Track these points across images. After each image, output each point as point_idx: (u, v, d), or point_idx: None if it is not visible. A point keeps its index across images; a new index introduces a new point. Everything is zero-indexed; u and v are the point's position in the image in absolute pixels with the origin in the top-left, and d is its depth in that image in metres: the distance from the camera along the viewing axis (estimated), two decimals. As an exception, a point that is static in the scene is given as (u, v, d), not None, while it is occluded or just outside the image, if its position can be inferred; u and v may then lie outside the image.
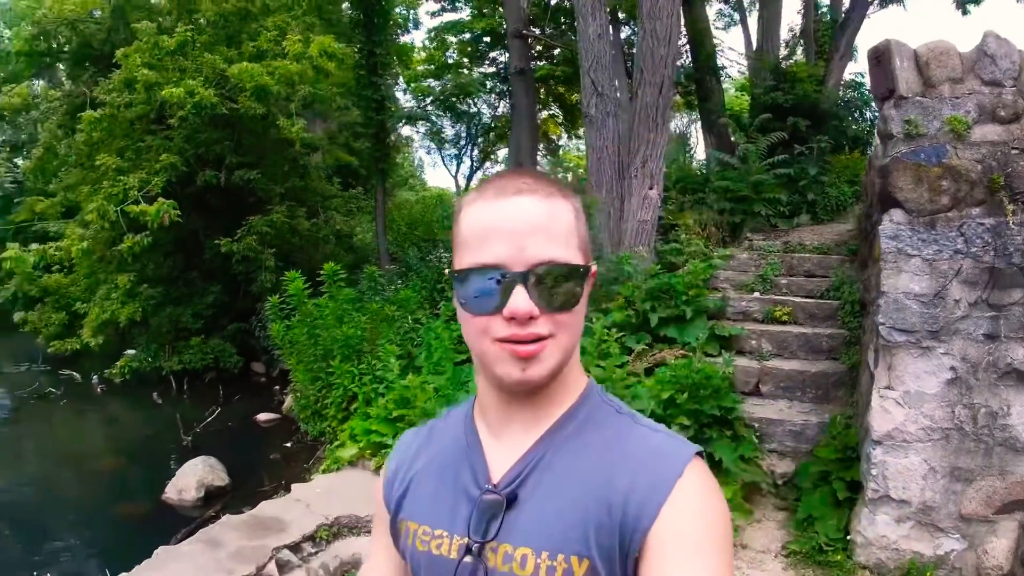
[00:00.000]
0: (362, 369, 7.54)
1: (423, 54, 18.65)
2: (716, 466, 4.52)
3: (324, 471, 6.09)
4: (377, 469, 5.43)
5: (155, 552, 4.09)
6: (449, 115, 21.53)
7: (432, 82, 18.83)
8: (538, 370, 0.86)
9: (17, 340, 14.72)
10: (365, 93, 11.55)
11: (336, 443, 6.66)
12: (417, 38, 19.29)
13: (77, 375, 12.74)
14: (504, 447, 0.95)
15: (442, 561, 0.93)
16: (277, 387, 11.30)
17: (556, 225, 0.87)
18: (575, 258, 0.88)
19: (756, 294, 7.03)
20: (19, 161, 17.91)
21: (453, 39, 16.85)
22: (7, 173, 19.19)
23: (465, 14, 17.27)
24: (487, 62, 16.57)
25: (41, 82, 15.51)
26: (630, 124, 7.86)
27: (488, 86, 18.21)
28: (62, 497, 7.82)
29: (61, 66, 14.24)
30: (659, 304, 6.34)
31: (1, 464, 9.30)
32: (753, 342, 6.29)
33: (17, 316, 13.50)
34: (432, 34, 16.95)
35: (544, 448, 0.92)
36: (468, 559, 0.90)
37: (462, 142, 25.55)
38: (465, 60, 17.36)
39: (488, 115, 22.33)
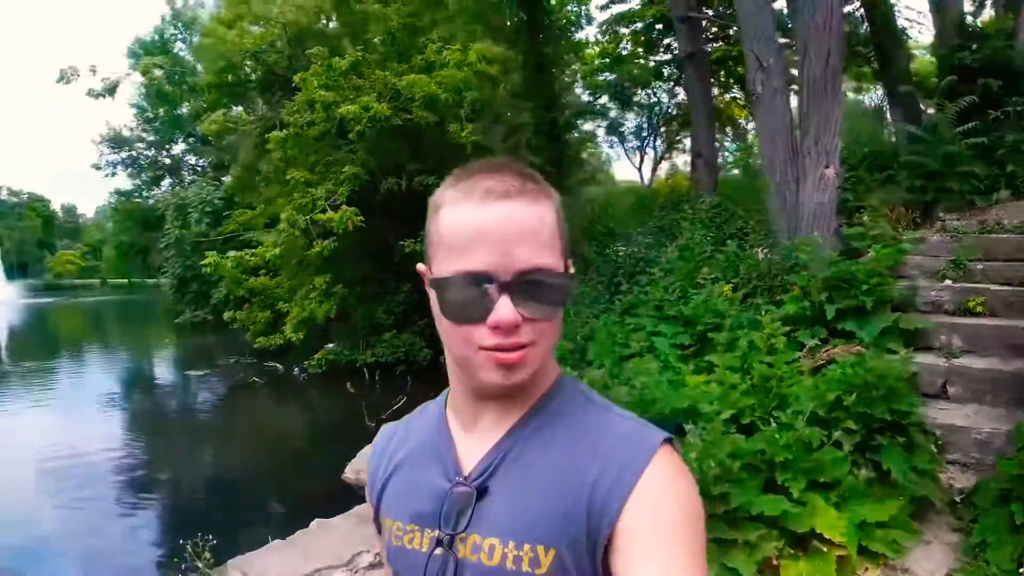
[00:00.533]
0: (531, 363, 7.68)
1: (596, 48, 18.67)
2: (884, 477, 4.12)
3: None
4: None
5: (312, 523, 4.52)
6: (625, 107, 21.40)
7: (608, 75, 18.80)
8: (519, 376, 0.88)
9: (228, 336, 16.75)
10: (534, 93, 11.90)
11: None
12: (591, 33, 19.19)
13: (280, 367, 14.42)
14: (475, 441, 0.96)
15: (415, 555, 0.95)
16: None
17: (543, 231, 0.86)
18: (559, 263, 0.88)
19: (947, 282, 6.34)
20: (225, 179, 20.25)
21: (625, 30, 16.72)
22: (215, 190, 21.85)
23: (635, 3, 17.05)
24: (661, 49, 16.27)
25: (240, 108, 17.50)
26: (800, 99, 7.42)
27: (665, 74, 17.87)
28: (256, 471, 9.14)
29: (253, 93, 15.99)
30: (837, 295, 5.90)
31: (210, 442, 11.28)
32: (943, 337, 5.63)
33: (227, 315, 15.29)
34: (603, 27, 16.99)
35: (513, 440, 0.93)
36: (439, 551, 0.92)
37: (644, 133, 25.24)
38: (640, 50, 17.16)
39: (668, 103, 21.95)
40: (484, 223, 0.84)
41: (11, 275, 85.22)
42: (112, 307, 58.13)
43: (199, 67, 17.32)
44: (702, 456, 3.52)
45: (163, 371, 21.94)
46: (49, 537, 7.31)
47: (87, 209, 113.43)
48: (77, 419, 12.93)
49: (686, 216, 9.96)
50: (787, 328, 5.58)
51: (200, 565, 4.51)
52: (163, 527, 7.53)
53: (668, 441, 0.88)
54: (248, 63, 13.73)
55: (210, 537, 4.61)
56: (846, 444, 4.04)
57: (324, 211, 11.38)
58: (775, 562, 3.51)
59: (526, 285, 0.83)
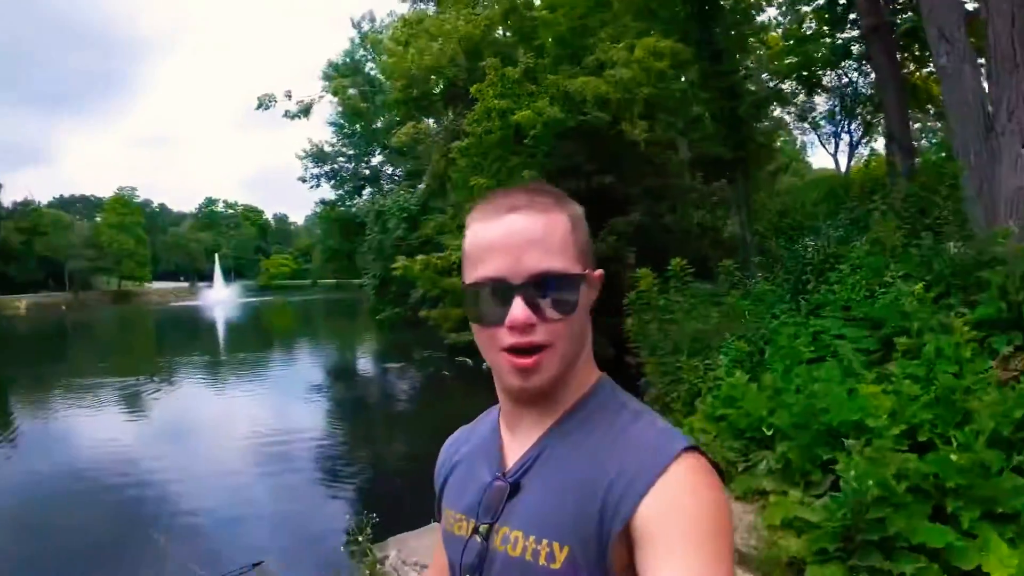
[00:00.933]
0: (708, 365, 7.64)
1: (779, 31, 17.70)
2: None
3: None
4: (695, 465, 5.55)
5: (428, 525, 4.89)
6: (812, 91, 20.09)
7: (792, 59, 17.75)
8: (537, 380, 0.95)
9: (424, 332, 17.97)
10: (711, 83, 11.64)
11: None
12: (773, 15, 17.97)
13: (470, 361, 15.32)
14: (518, 442, 1.04)
15: (459, 541, 1.05)
16: (645, 379, 12.03)
17: (551, 237, 0.94)
18: (571, 267, 0.95)
19: None
20: (420, 187, 21.49)
21: (807, 8, 15.73)
22: (411, 197, 23.19)
23: None
24: (848, 25, 15.10)
25: (430, 120, 18.51)
26: (987, 70, 6.77)
27: (854, 51, 16.56)
28: (435, 457, 9.73)
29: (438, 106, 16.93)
30: (1041, 294, 5.38)
31: (399, 428, 12.81)
32: None
33: (423, 313, 16.34)
34: (783, 6, 16.06)
35: (546, 441, 1.00)
36: (476, 538, 1.01)
37: (837, 117, 23.56)
38: (824, 28, 16.03)
39: (863, 84, 20.32)
40: (496, 234, 0.95)
41: (228, 278, 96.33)
42: (320, 305, 64.00)
43: (387, 85, 18.59)
44: (861, 475, 3.34)
45: (364, 363, 24.10)
46: (250, 503, 8.58)
47: (297, 217, 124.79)
48: (285, 404, 14.68)
49: (878, 207, 9.33)
50: (980, 333, 5.11)
51: (360, 540, 5.08)
52: (346, 502, 8.49)
53: (693, 449, 0.91)
54: (431, 78, 14.56)
55: (374, 515, 5.16)
56: (1035, 471, 3.61)
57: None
58: (933, 599, 3.22)
59: (537, 287, 0.92)
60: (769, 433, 4.99)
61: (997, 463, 3.55)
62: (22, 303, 68.30)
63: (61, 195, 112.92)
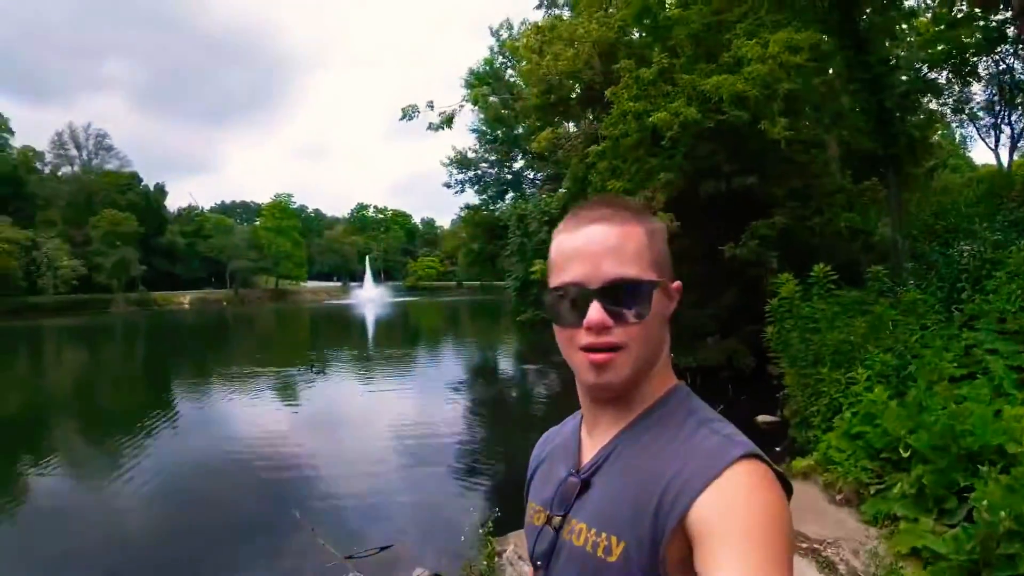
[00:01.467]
0: (850, 378, 7.29)
1: (928, 15, 16.26)
2: None
3: None
4: (826, 486, 5.34)
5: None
6: (965, 80, 18.38)
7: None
8: (611, 376, 1.02)
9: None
10: (855, 75, 11.02)
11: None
12: None
13: None
14: (593, 442, 1.12)
15: (534, 529, 1.15)
16: (785, 391, 11.59)
17: (627, 247, 1.02)
18: (645, 275, 1.01)
19: None
20: (561, 191, 21.57)
21: None
22: (552, 200, 23.34)
23: None
24: (1002, 6, 13.58)
25: (570, 124, 18.57)
26: None
27: (1010, 35, 14.95)
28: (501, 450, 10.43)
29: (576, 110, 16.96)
30: None
31: (531, 427, 12.29)
32: None
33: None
34: None
35: (617, 442, 1.06)
36: (548, 528, 1.10)
37: (996, 108, 21.49)
38: (976, 10, 14.50)
39: (1021, 70, 18.42)
40: (577, 243, 1.04)
41: (377, 278, 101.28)
42: (465, 306, 65.87)
43: (526, 91, 18.90)
44: (995, 505, 3.11)
45: (504, 363, 24.63)
46: (385, 491, 9.00)
47: (444, 221, 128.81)
48: (426, 399, 15.27)
49: (1042, 207, 8.55)
50: None
51: (482, 532, 5.41)
52: (475, 496, 8.70)
53: (753, 456, 0.93)
54: (567, 83, 14.67)
55: (497, 510, 5.54)
56: None
57: (641, 220, 11.84)
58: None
59: (613, 292, 1.00)
60: (906, 455, 4.75)
61: None
62: (186, 298, 75.51)
63: (223, 201, 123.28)
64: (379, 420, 13.14)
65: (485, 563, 5.30)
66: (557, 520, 1.09)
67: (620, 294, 1.00)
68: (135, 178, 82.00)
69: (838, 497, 5.20)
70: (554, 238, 1.10)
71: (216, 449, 11.33)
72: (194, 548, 7.21)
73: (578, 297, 1.01)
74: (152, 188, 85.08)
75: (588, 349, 1.01)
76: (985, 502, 3.18)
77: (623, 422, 1.08)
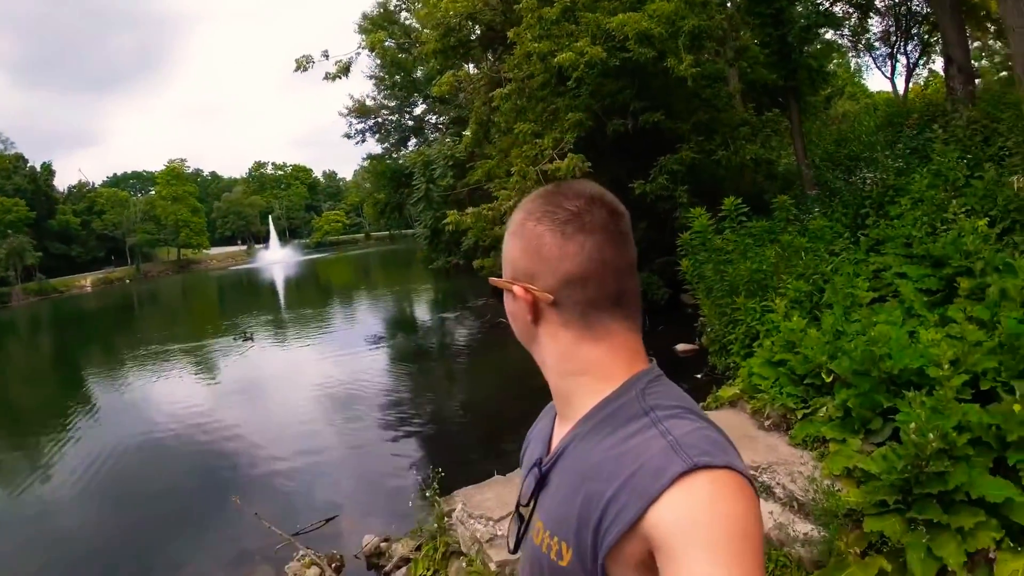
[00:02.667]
0: (765, 306, 7.56)
1: None
2: None
3: (703, 408, 6.37)
4: (754, 413, 5.58)
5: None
6: (864, 11, 19.06)
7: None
8: None
9: (477, 280, 18.02)
10: (757, 9, 11.19)
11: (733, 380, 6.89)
12: None
13: None
14: (558, 432, 1.07)
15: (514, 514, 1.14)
16: (702, 319, 12.01)
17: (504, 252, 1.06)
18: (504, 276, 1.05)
19: None
20: (465, 134, 21.38)
21: None
22: (456, 145, 23.13)
23: None
24: None
25: (471, 66, 18.25)
26: None
27: None
28: (495, 407, 10.42)
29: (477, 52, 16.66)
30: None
31: (458, 378, 13.32)
32: None
33: (476, 263, 16.43)
34: None
35: (573, 435, 1.01)
36: (517, 518, 1.10)
37: (892, 38, 22.35)
38: None
39: (918, 2, 19.17)
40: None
41: (283, 238, 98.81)
42: (375, 258, 65.07)
43: (424, 34, 18.38)
44: (923, 427, 3.32)
45: (420, 312, 24.52)
46: (321, 459, 8.96)
47: (346, 173, 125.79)
48: (350, 361, 15.05)
49: (938, 136, 8.97)
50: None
51: (428, 494, 5.46)
52: (412, 456, 8.79)
53: (703, 468, 0.83)
54: (466, 25, 14.33)
55: (440, 470, 5.53)
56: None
57: (552, 160, 11.80)
58: (991, 555, 3.19)
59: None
60: (828, 380, 4.98)
61: (1066, 416, 3.43)
62: (87, 280, 71.62)
63: (115, 174, 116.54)
64: (304, 387, 12.94)
65: (435, 524, 5.34)
66: (525, 511, 1.07)
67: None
68: (20, 160, 76.58)
69: (766, 423, 5.43)
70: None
71: (142, 437, 10.94)
72: (135, 546, 6.99)
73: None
74: (39, 168, 79.55)
75: None
76: (912, 424, 3.37)
77: (575, 418, 1.02)
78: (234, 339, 19.91)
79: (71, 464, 9.89)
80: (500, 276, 1.05)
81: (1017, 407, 3.45)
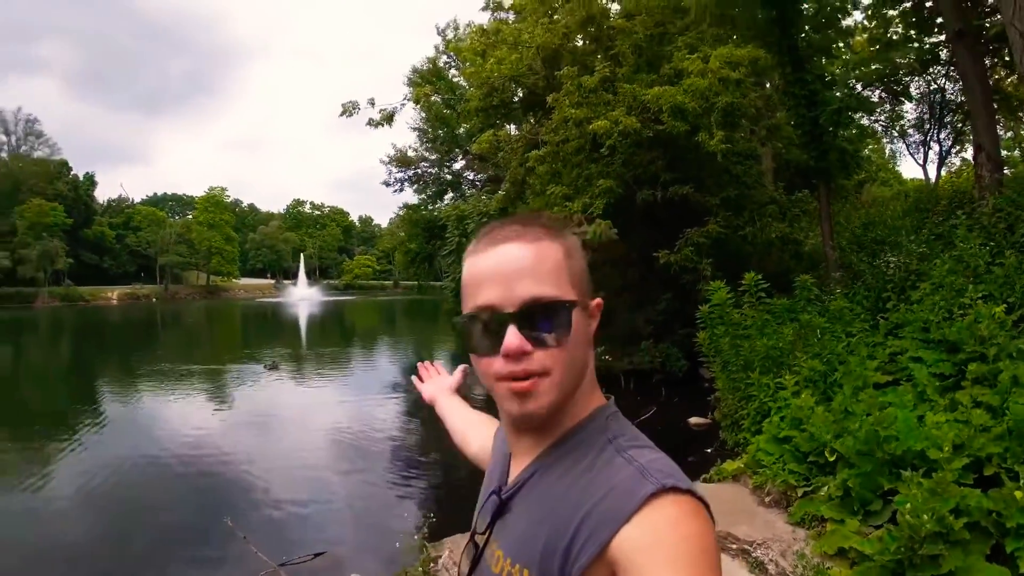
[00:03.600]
0: (779, 383, 7.50)
1: (865, 35, 16.97)
2: None
3: (706, 480, 6.32)
4: (755, 488, 5.49)
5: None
6: (896, 98, 19.22)
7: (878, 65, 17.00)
8: (534, 405, 0.95)
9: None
10: (791, 91, 11.37)
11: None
12: (860, 18, 17.03)
13: None
14: (518, 460, 1.08)
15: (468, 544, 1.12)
16: (716, 393, 11.89)
17: (543, 265, 0.95)
18: (565, 293, 0.96)
19: None
20: (500, 193, 21.72)
21: (893, 12, 15.00)
22: (490, 202, 23.47)
23: None
24: (936, 29, 14.31)
25: (511, 127, 18.67)
26: None
27: (943, 57, 15.75)
28: (436, 455, 10.24)
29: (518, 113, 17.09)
30: None
31: None
32: None
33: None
34: (869, 11, 15.40)
35: (536, 467, 1.02)
36: (471, 546, 1.09)
37: (926, 126, 22.50)
38: (912, 32, 15.25)
39: (952, 91, 19.34)
40: (488, 264, 0.97)
41: (312, 276, 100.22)
42: (401, 306, 65.50)
43: (469, 92, 18.92)
44: (919, 508, 3.24)
45: (440, 364, 24.41)
46: (319, 495, 8.87)
47: (381, 220, 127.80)
48: (362, 402, 15.04)
49: (962, 222, 8.97)
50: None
51: (416, 537, 5.58)
52: (411, 500, 8.63)
53: (668, 490, 0.86)
54: (509, 87, 14.73)
55: (431, 515, 5.70)
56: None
57: (580, 224, 11.96)
58: (983, 646, 3.05)
59: (530, 314, 0.93)
60: (832, 459, 4.91)
61: (1066, 504, 3.37)
62: (113, 293, 73.26)
63: (155, 193, 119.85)
64: (314, 423, 12.93)
65: (421, 569, 5.27)
66: (480, 539, 1.07)
67: (538, 316, 0.94)
68: (65, 167, 79.10)
69: (767, 499, 5.35)
70: (464, 260, 1.03)
71: (147, 450, 10.92)
72: (121, 557, 6.95)
73: (492, 322, 0.95)
74: (82, 178, 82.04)
75: (508, 378, 0.95)
76: (908, 505, 3.30)
77: (543, 444, 1.03)
78: (263, 365, 20.22)
79: (71, 469, 9.92)
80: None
81: (1019, 493, 3.38)
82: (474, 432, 1.62)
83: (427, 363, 2.00)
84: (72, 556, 7.03)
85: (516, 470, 1.07)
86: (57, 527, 7.86)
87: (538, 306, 0.93)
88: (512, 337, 0.92)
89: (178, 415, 13.98)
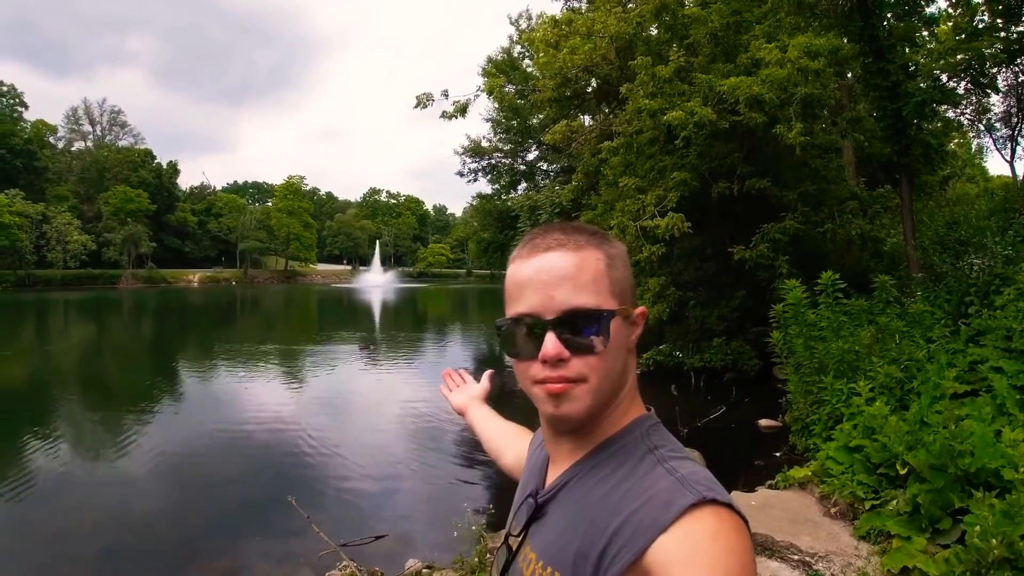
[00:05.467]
0: (852, 389, 7.27)
1: (951, 23, 16.05)
2: None
3: (771, 486, 6.16)
4: (822, 498, 5.33)
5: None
6: (981, 90, 18.19)
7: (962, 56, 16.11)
8: (570, 408, 0.98)
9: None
10: (873, 81, 10.93)
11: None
12: (944, 5, 16.25)
13: None
14: (556, 465, 1.09)
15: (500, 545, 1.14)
16: (788, 395, 11.60)
17: (583, 274, 0.97)
18: (605, 303, 0.98)
19: None
20: (573, 183, 21.62)
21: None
22: (563, 192, 23.40)
23: None
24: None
25: (585, 117, 18.55)
26: None
27: None
28: None
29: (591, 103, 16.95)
30: None
31: (535, 420, 12.27)
32: None
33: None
34: None
35: (574, 472, 1.03)
36: (505, 547, 1.11)
37: (1013, 119, 21.25)
38: (999, 20, 14.34)
39: None
40: (530, 271, 0.99)
41: (387, 263, 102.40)
42: (473, 294, 66.12)
43: (543, 81, 18.90)
44: (988, 530, 3.10)
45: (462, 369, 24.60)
46: (388, 474, 9.18)
47: (456, 209, 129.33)
48: (431, 388, 15.21)
49: (1051, 223, 8.51)
50: None
51: (475, 529, 5.62)
52: (477, 489, 8.69)
53: (708, 503, 0.86)
54: (583, 77, 14.64)
55: (492, 508, 5.90)
56: None
57: (653, 217, 11.79)
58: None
59: (569, 322, 0.95)
60: (903, 472, 4.74)
61: None
62: (195, 276, 76.70)
63: (235, 181, 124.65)
64: (384, 407, 13.21)
65: (477, 559, 5.34)
66: (514, 541, 1.09)
67: (577, 324, 0.96)
68: (149, 155, 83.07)
69: (833, 510, 5.19)
70: (508, 266, 1.06)
71: (220, 426, 11.49)
72: (187, 527, 7.29)
73: (533, 328, 0.97)
74: (165, 166, 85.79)
75: (545, 382, 0.98)
76: (978, 527, 3.16)
77: (582, 451, 1.04)
78: (361, 346, 21.89)
79: (148, 442, 10.48)
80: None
81: (1097, 525, 3.14)
82: (508, 443, 1.61)
83: (452, 370, 1.98)
84: (141, 525, 7.42)
85: (553, 475, 1.09)
86: (130, 496, 8.31)
87: (577, 314, 0.96)
88: (550, 344, 0.95)
89: (255, 392, 14.58)
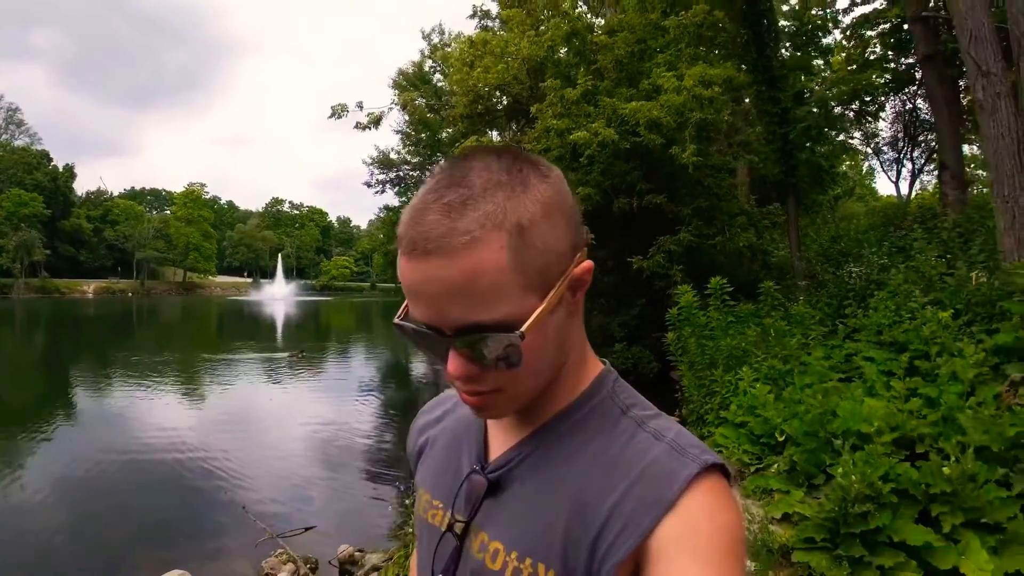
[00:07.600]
0: (739, 379, 7.96)
1: (844, 54, 17.62)
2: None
3: None
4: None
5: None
6: (864, 118, 20.02)
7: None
8: (493, 413, 0.86)
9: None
10: (765, 108, 11.99)
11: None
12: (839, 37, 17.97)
13: None
14: (503, 431, 0.92)
15: (433, 532, 0.94)
16: (683, 391, 12.41)
17: (479, 284, 0.73)
18: (514, 309, 0.74)
19: None
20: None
21: (871, 33, 15.67)
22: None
23: (879, 2, 15.67)
24: (912, 52, 14.97)
25: (494, 133, 19.18)
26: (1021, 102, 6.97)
27: (918, 78, 16.48)
28: None
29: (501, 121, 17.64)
30: (1059, 324, 5.66)
31: None
32: None
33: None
34: (848, 31, 16.07)
35: (537, 442, 0.87)
36: (450, 536, 0.90)
37: (900, 144, 23.41)
38: (889, 53, 15.89)
39: (925, 111, 20.24)
40: (414, 279, 0.75)
41: (289, 276, 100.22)
42: (377, 308, 65.53)
43: (453, 97, 19.44)
44: (850, 471, 3.74)
45: (416, 366, 24.81)
46: (303, 489, 9.14)
47: (360, 221, 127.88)
48: (335, 399, 15.38)
49: (920, 236, 9.62)
50: (997, 360, 5.45)
51: (407, 502, 6.01)
52: (388, 487, 8.98)
53: (708, 469, 0.77)
54: (494, 95, 15.23)
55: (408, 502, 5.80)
56: (1018, 485, 3.86)
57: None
58: (911, 594, 3.45)
59: (469, 341, 0.76)
60: (781, 439, 5.40)
61: (983, 475, 3.82)
62: (90, 287, 72.93)
63: (133, 187, 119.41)
64: (296, 416, 13.34)
65: (410, 531, 5.68)
66: (460, 527, 0.89)
67: (477, 343, 0.75)
68: (45, 157, 78.49)
69: (725, 478, 5.79)
70: (398, 233, 0.78)
71: (141, 435, 11.46)
72: (120, 527, 7.29)
73: (435, 341, 0.78)
74: (61, 169, 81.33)
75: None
76: (841, 470, 3.80)
77: (542, 416, 0.88)
78: (289, 356, 22.34)
79: (45, 461, 10.21)
80: None
81: (947, 469, 3.78)
82: None
83: None
84: (77, 531, 7.32)
85: (502, 444, 0.91)
86: (30, 520, 7.88)
87: (478, 330, 0.75)
88: (451, 365, 0.78)
89: (153, 409, 14.25)
